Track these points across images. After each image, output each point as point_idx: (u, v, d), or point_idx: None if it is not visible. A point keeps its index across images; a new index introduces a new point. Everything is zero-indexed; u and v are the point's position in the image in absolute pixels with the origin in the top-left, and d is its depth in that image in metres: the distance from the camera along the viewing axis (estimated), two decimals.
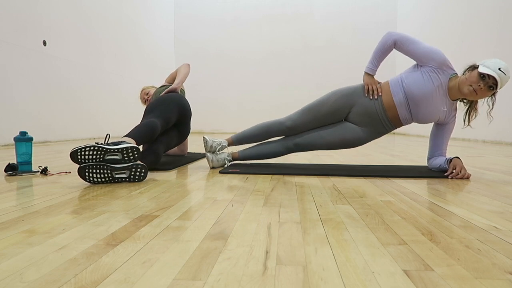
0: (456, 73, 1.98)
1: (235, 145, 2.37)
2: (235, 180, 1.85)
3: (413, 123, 2.15)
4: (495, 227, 1.03)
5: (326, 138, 2.16)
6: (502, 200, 1.40)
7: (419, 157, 3.10)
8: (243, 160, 2.35)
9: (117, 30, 7.08)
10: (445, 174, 1.95)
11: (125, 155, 1.73)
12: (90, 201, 1.33)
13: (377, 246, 0.86)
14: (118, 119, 6.93)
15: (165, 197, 1.42)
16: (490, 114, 1.90)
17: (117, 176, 1.71)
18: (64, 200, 1.35)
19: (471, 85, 1.83)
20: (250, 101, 10.26)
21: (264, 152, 2.30)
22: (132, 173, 1.74)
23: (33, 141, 2.08)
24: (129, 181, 1.76)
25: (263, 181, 1.80)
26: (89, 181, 1.69)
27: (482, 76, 1.81)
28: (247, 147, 2.37)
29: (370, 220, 1.09)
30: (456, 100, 2.01)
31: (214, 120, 10.08)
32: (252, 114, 10.23)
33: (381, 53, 2.06)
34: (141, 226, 1.01)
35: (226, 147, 2.31)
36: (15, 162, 2.02)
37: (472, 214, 1.17)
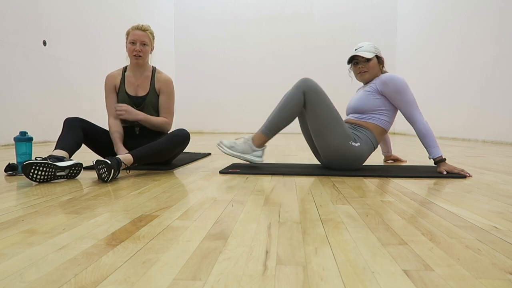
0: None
1: (270, 138, 2.17)
2: (235, 180, 1.85)
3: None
4: (495, 227, 1.03)
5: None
6: (502, 200, 1.40)
7: (419, 157, 3.10)
8: (272, 135, 2.15)
9: (118, 30, 7.07)
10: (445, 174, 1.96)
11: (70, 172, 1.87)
12: (90, 201, 1.33)
13: (377, 246, 0.86)
14: None
15: (165, 197, 1.42)
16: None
17: (58, 174, 1.80)
18: (64, 200, 1.35)
19: (357, 74, 2.32)
20: (250, 101, 10.26)
21: (283, 118, 2.12)
22: (71, 171, 1.86)
23: (33, 141, 2.08)
24: (67, 178, 1.86)
25: (263, 181, 1.80)
26: (31, 178, 1.69)
27: (351, 64, 2.31)
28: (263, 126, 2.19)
29: (370, 220, 1.09)
30: (368, 82, 2.30)
31: (214, 120, 10.08)
32: (252, 114, 10.23)
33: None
34: (141, 226, 1.01)
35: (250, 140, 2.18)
36: (15, 162, 2.02)
37: (472, 214, 1.17)
